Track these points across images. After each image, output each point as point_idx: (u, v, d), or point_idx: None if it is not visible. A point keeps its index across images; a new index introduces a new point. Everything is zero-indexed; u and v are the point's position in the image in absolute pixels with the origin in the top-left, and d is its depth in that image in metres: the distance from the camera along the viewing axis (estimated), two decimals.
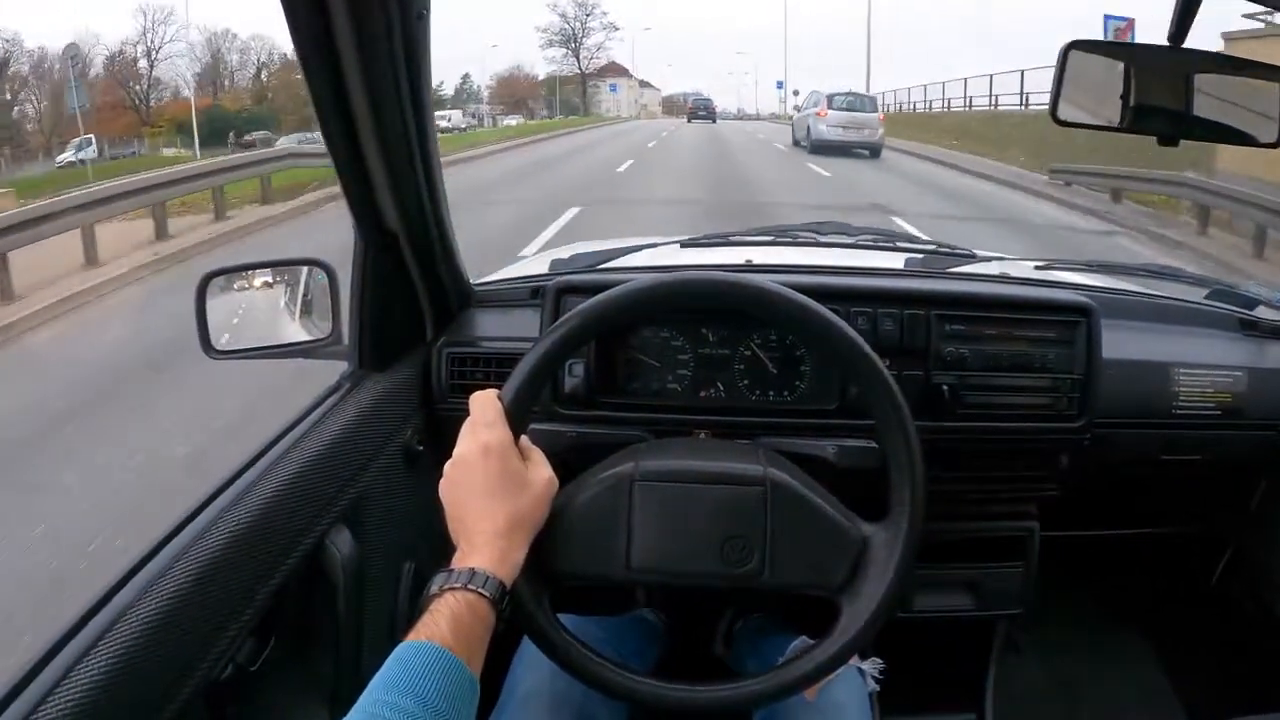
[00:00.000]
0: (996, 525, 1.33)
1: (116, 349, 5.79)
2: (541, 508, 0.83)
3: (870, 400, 0.91)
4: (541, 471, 0.84)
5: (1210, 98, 1.00)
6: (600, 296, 0.91)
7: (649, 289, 0.91)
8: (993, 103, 20.91)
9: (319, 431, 1.04)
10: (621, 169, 14.89)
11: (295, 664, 1.00)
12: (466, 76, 54.22)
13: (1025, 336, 1.19)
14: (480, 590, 0.74)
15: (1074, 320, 1.20)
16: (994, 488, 1.26)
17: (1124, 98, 1.02)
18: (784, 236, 1.60)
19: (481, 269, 1.48)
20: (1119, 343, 1.27)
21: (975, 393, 1.18)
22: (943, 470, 1.08)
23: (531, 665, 1.02)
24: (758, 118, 56.17)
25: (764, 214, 9.22)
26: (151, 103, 31.53)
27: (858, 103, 18.04)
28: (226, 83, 35.71)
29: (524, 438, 0.87)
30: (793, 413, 1.17)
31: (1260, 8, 0.91)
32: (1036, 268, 1.52)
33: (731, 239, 1.58)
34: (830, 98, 17.94)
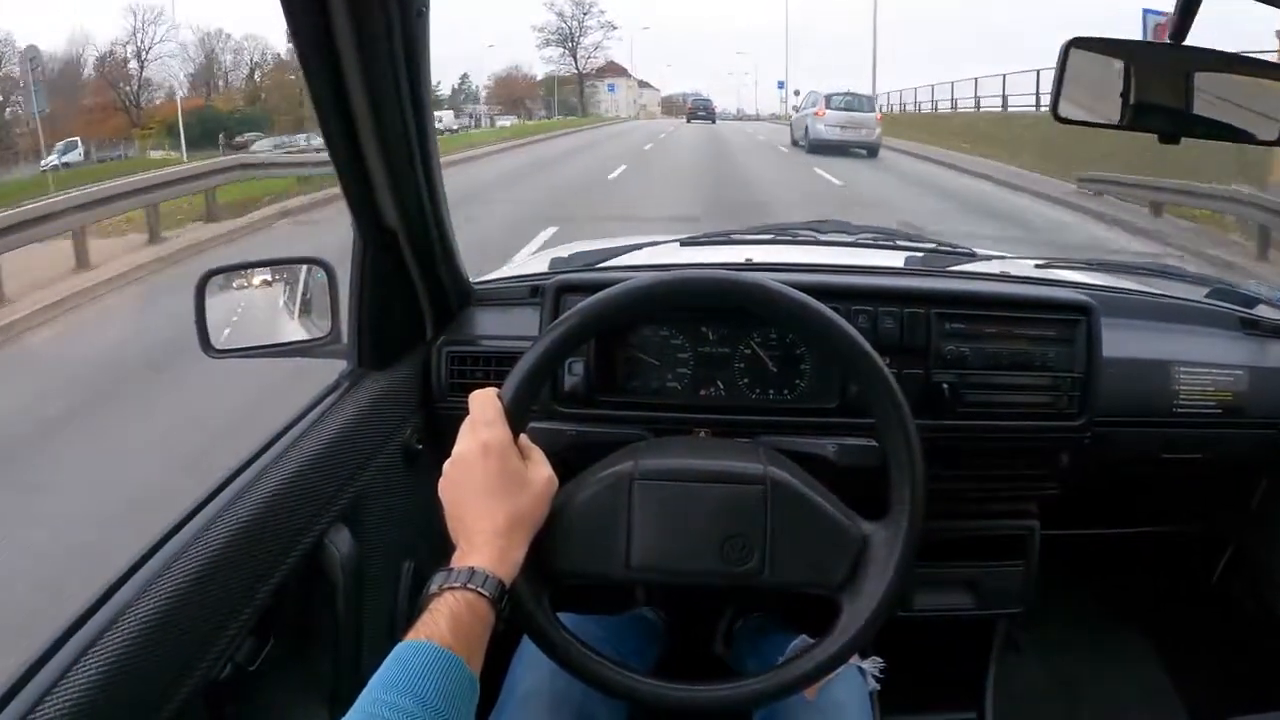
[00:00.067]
0: (997, 524, 1.32)
1: None
2: (541, 506, 0.82)
3: (870, 399, 0.90)
4: (541, 470, 0.84)
5: (1211, 95, 1.00)
6: (600, 295, 0.91)
7: (648, 287, 0.91)
8: (1004, 103, 20.16)
9: (318, 430, 1.04)
10: (613, 176, 13.76)
11: (294, 663, 1.00)
12: (465, 77, 54.00)
13: (1025, 335, 1.19)
14: (480, 589, 0.74)
15: (1074, 319, 1.20)
16: (994, 486, 1.26)
17: (1124, 96, 1.02)
18: (784, 235, 1.60)
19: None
20: (1119, 341, 1.27)
21: (975, 391, 1.18)
22: (943, 469, 1.08)
23: (531, 664, 1.02)
24: (757, 118, 55.90)
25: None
26: (143, 104, 31.10)
27: (855, 103, 18.09)
28: (220, 83, 35.35)
29: (523, 436, 0.86)
30: (793, 411, 1.17)
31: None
32: (1037, 266, 1.51)
33: (731, 237, 1.58)
34: (828, 98, 18.00)
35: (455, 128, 36.65)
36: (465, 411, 0.84)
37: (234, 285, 1.25)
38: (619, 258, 1.45)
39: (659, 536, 0.86)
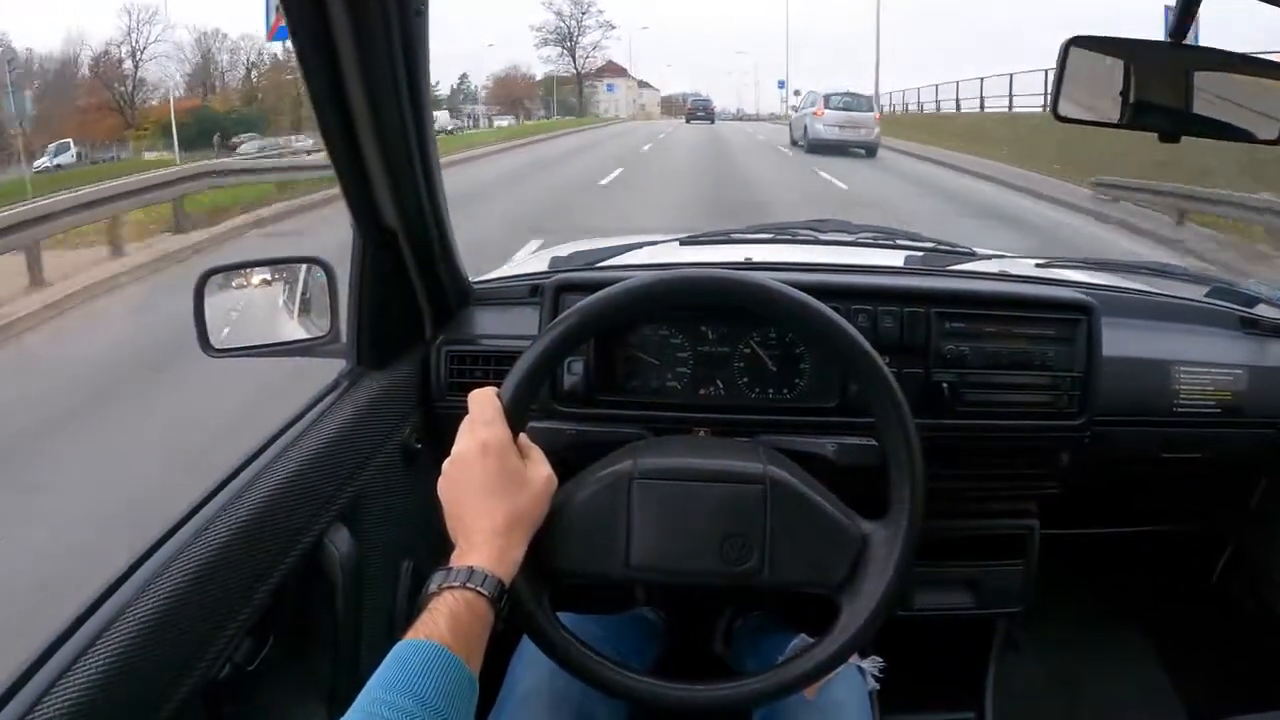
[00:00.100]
0: (996, 523, 1.32)
1: None
2: (540, 506, 0.82)
3: (870, 398, 0.90)
4: (540, 469, 0.84)
5: (1211, 94, 1.00)
6: (599, 294, 0.91)
7: (648, 286, 0.91)
8: (1010, 104, 19.71)
9: (317, 430, 1.04)
10: (606, 181, 12.81)
11: (293, 663, 1.00)
12: (464, 76, 53.83)
13: (1025, 334, 1.19)
14: (479, 589, 0.74)
15: (1074, 318, 1.20)
16: (994, 485, 1.26)
17: (1124, 95, 1.02)
18: (783, 234, 1.60)
19: None
20: (1119, 340, 1.27)
21: (975, 390, 1.18)
22: (942, 468, 1.08)
23: (530, 664, 1.02)
24: (757, 118, 55.89)
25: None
26: (137, 104, 30.76)
27: (854, 103, 18.11)
28: (217, 83, 35.03)
29: (523, 436, 0.86)
30: (792, 410, 1.17)
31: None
32: (1037, 265, 1.51)
33: (731, 236, 1.58)
34: (827, 97, 18.06)
35: (450, 128, 36.17)
36: (464, 411, 0.84)
37: (233, 284, 1.25)
38: (618, 257, 1.45)
39: (658, 536, 0.86)
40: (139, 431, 3.81)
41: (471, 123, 44.69)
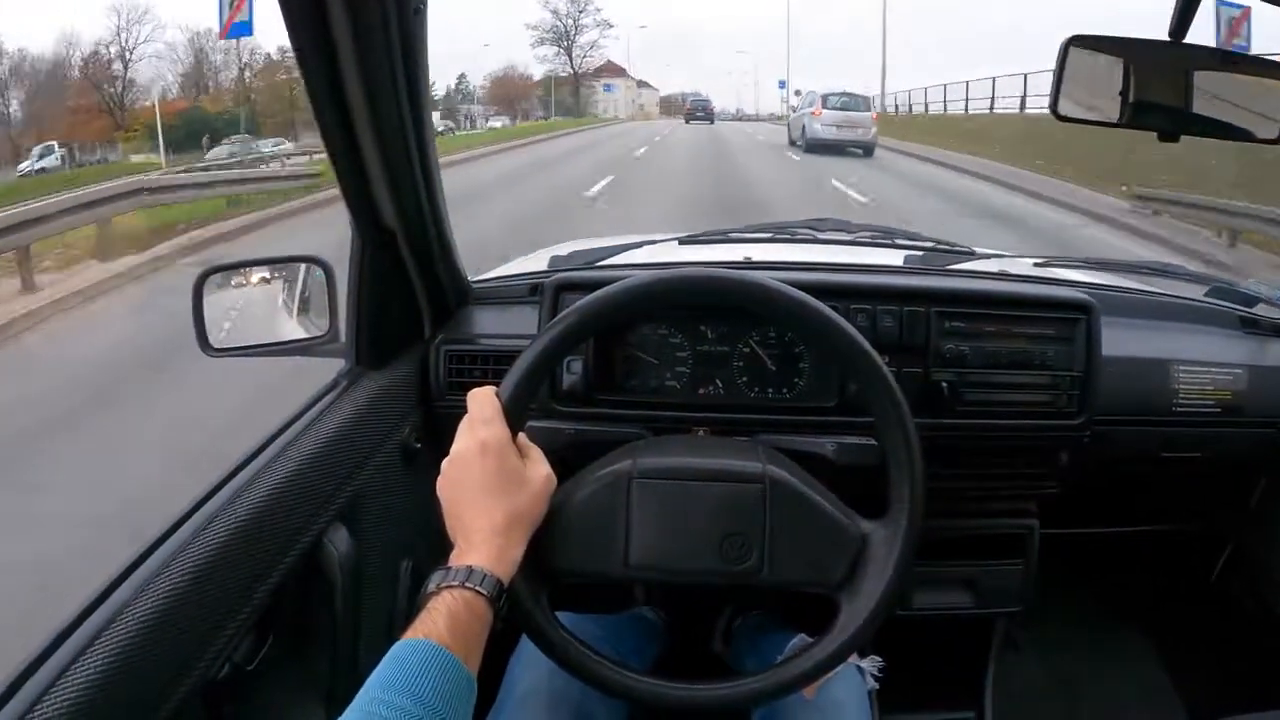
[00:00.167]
0: (996, 523, 1.32)
1: None
2: (539, 505, 0.82)
3: (869, 397, 0.90)
4: (539, 469, 0.84)
5: (1210, 93, 1.00)
6: (598, 293, 0.91)
7: (647, 285, 0.91)
8: (1021, 105, 18.77)
9: (316, 429, 1.04)
10: (592, 192, 11.24)
11: (293, 663, 1.00)
12: (462, 76, 53.54)
13: (1025, 334, 1.19)
14: (478, 588, 0.74)
15: (1074, 317, 1.20)
16: (993, 485, 1.26)
17: (1124, 94, 1.02)
18: (783, 233, 1.60)
19: None
20: (1119, 340, 1.27)
21: (975, 390, 1.18)
22: (942, 467, 1.08)
23: (530, 664, 1.02)
24: (757, 118, 55.52)
25: None
26: (127, 105, 30.10)
27: (852, 103, 18.18)
28: (210, 84, 34.45)
29: (522, 435, 0.86)
30: (792, 410, 1.17)
31: None
32: (1036, 265, 1.51)
33: (730, 236, 1.58)
34: (825, 98, 18.12)
35: (440, 130, 35.05)
36: (464, 410, 0.84)
37: (232, 284, 1.25)
38: (618, 256, 1.45)
39: (658, 535, 0.86)
40: None
41: (469, 123, 44.35)
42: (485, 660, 0.74)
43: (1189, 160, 9.34)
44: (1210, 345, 1.37)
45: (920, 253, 1.49)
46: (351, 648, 1.05)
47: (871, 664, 1.12)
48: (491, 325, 1.33)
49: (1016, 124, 17.48)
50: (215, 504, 0.88)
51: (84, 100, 29.08)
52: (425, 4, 0.93)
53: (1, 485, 3.43)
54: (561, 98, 55.85)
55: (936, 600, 1.34)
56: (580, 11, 55.26)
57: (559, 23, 55.46)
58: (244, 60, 34.48)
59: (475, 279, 1.41)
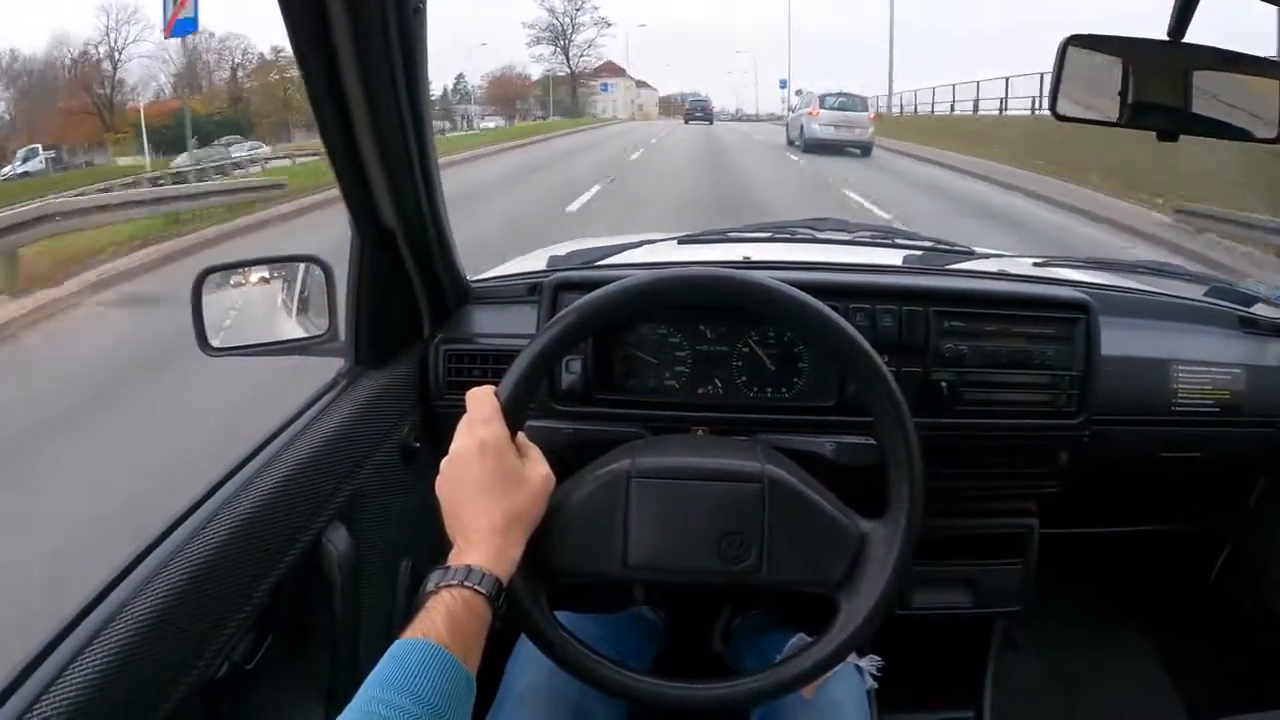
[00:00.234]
0: (995, 522, 1.32)
1: None
2: (538, 504, 0.82)
3: (868, 397, 0.90)
4: (538, 468, 0.84)
5: (1209, 93, 1.00)
6: (597, 293, 0.90)
7: (646, 285, 0.91)
8: (1033, 106, 17.65)
9: (315, 429, 1.04)
10: (575, 206, 10.02)
11: (292, 662, 1.00)
12: (460, 76, 53.24)
13: (1024, 333, 1.19)
14: (476, 587, 0.74)
15: (1073, 317, 1.20)
16: (993, 484, 1.26)
17: (1123, 94, 1.02)
18: (782, 233, 1.60)
19: None
20: (1118, 340, 1.27)
21: (974, 389, 1.18)
22: (941, 467, 1.08)
23: (529, 663, 1.02)
24: (757, 118, 55.26)
25: None
26: (116, 107, 29.54)
27: (849, 103, 18.30)
28: (204, 83, 34.05)
29: (521, 434, 0.86)
30: (791, 409, 1.17)
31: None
32: (1035, 264, 1.51)
33: (729, 235, 1.58)
34: (822, 98, 18.28)
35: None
36: (463, 409, 0.84)
37: (231, 283, 1.25)
38: (617, 255, 1.45)
39: (656, 535, 0.86)
40: None
41: (466, 124, 44.00)
42: (484, 659, 0.74)
43: (1210, 167, 8.84)
44: (1209, 345, 1.37)
45: (919, 252, 1.49)
46: (351, 647, 1.05)
47: (870, 663, 1.12)
48: (491, 325, 1.33)
49: (1029, 125, 16.26)
50: (214, 503, 0.88)
51: (73, 101, 28.73)
52: (425, 3, 0.93)
53: None
54: (560, 98, 55.48)
55: (936, 600, 1.34)
56: (577, 9, 54.67)
57: (555, 21, 54.84)
58: (236, 60, 34.22)
59: (474, 278, 1.41)
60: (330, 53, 0.89)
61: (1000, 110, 20.39)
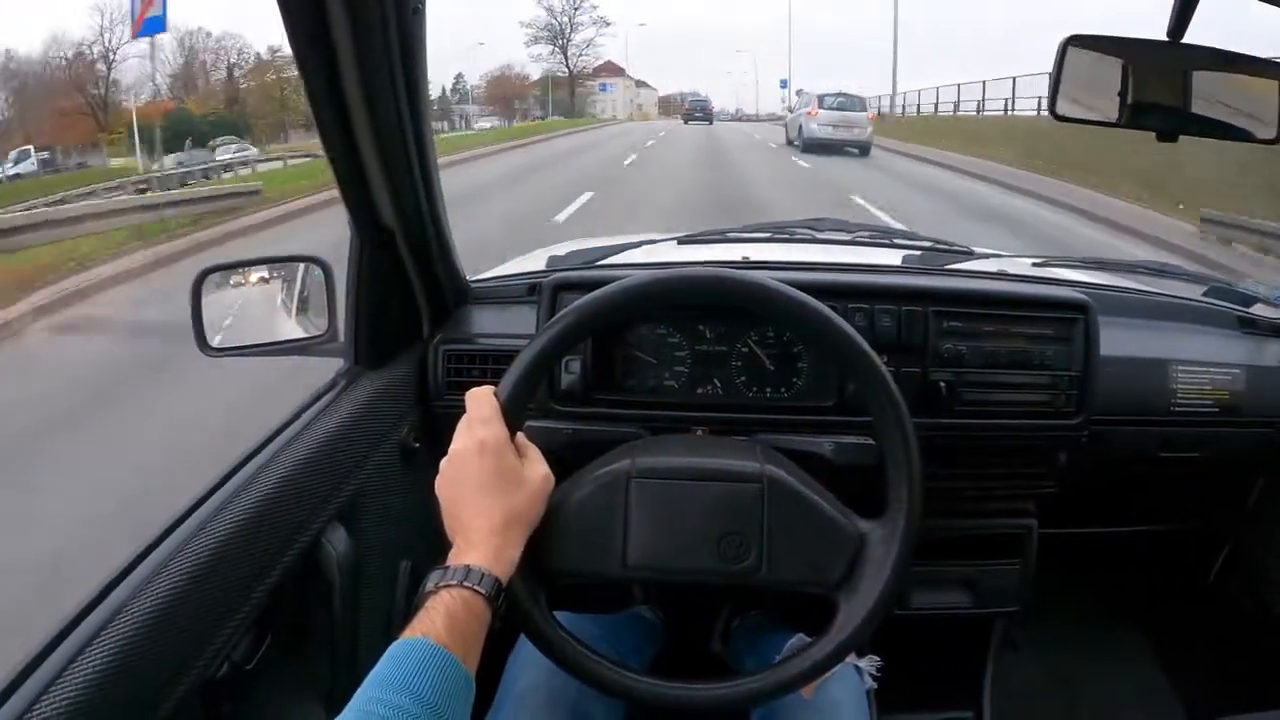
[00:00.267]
0: (994, 522, 1.32)
1: None
2: (537, 505, 0.82)
3: (867, 397, 0.90)
4: (537, 468, 0.84)
5: (1209, 93, 1.00)
6: (596, 293, 0.90)
7: (645, 285, 0.91)
8: (1038, 106, 16.61)
9: (315, 429, 1.04)
10: (563, 217, 9.25)
11: (291, 662, 1.00)
12: (460, 76, 53.00)
13: (1023, 333, 1.19)
14: (475, 587, 0.74)
15: (1072, 317, 1.20)
16: (992, 485, 1.26)
17: (1122, 94, 1.02)
18: (781, 233, 1.60)
19: None
20: (1117, 340, 1.27)
21: (973, 389, 1.18)
22: (940, 467, 1.08)
23: (528, 663, 1.02)
24: (757, 118, 55.02)
25: None
26: (110, 107, 28.83)
27: (848, 103, 18.39)
28: (200, 84, 33.63)
29: (520, 435, 0.86)
30: (790, 409, 1.17)
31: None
32: (1034, 265, 1.51)
33: (729, 235, 1.58)
34: (820, 98, 18.39)
35: None
36: (462, 410, 0.84)
37: (231, 283, 1.25)
38: (616, 255, 1.45)
39: (655, 535, 0.86)
40: None
41: (464, 124, 43.70)
42: (484, 659, 0.74)
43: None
44: (1208, 345, 1.37)
45: (919, 252, 1.49)
46: (350, 647, 1.05)
47: (870, 664, 1.12)
48: (490, 325, 1.33)
49: (1043, 128, 14.63)
50: (214, 503, 0.88)
51: (68, 102, 28.21)
52: (424, 4, 0.93)
53: None
54: (559, 98, 55.11)
55: (935, 600, 1.34)
56: (576, 8, 54.09)
57: (554, 20, 54.32)
58: (232, 60, 33.91)
59: (474, 279, 1.41)
60: (330, 52, 0.89)
61: (1006, 111, 19.98)
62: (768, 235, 1.59)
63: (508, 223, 8.12)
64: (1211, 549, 1.66)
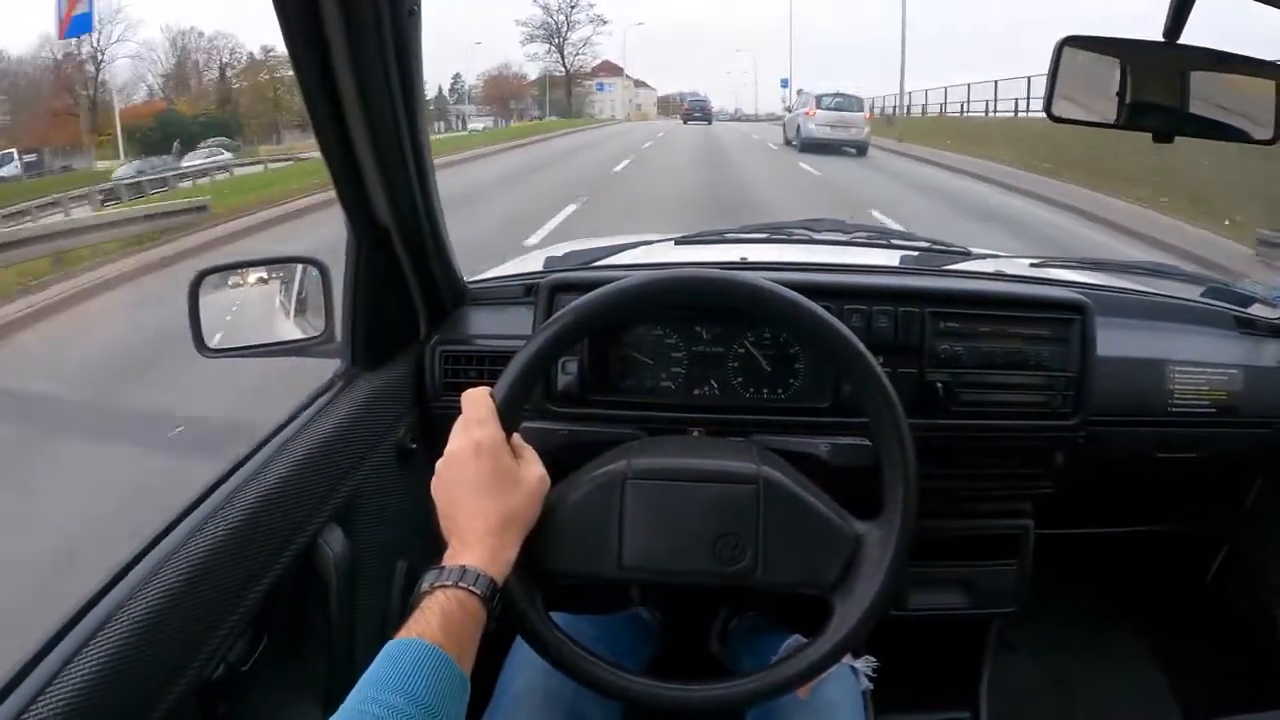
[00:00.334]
0: (991, 523, 1.33)
1: None
2: (533, 506, 0.82)
3: (864, 398, 0.90)
4: (534, 469, 0.84)
5: (1206, 94, 1.00)
6: (593, 294, 0.91)
7: (642, 286, 0.91)
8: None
9: (311, 430, 1.04)
10: (533, 240, 7.36)
11: (288, 663, 1.00)
12: (457, 76, 52.80)
13: (1020, 334, 1.19)
14: (471, 588, 0.74)
15: (1069, 318, 1.20)
16: (988, 485, 1.26)
17: (1119, 95, 1.02)
18: (778, 234, 1.60)
19: None
20: (1114, 340, 1.27)
21: (969, 390, 1.18)
22: (936, 468, 1.08)
23: (524, 664, 1.02)
24: (756, 118, 54.80)
25: None
26: (99, 108, 28.67)
27: (845, 103, 18.48)
28: (192, 84, 33.48)
29: (516, 435, 0.86)
30: (786, 410, 1.17)
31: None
32: (1031, 265, 1.51)
33: (726, 236, 1.58)
34: (818, 98, 18.51)
35: None
36: (459, 410, 0.84)
37: (229, 284, 1.25)
38: (613, 256, 1.45)
39: (651, 536, 0.86)
40: None
41: (461, 124, 43.42)
42: (480, 660, 0.74)
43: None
44: (1205, 346, 1.37)
45: (915, 253, 1.49)
46: (346, 648, 1.05)
47: (866, 664, 1.12)
48: (487, 326, 1.33)
49: (1053, 130, 12.97)
50: (210, 504, 0.88)
51: (56, 103, 27.97)
52: (419, 5, 0.93)
53: None
54: (557, 98, 54.86)
55: (931, 601, 1.34)
56: (573, 6, 53.63)
57: (550, 19, 53.86)
58: (224, 60, 33.59)
59: (471, 279, 1.41)
60: (324, 52, 0.89)
61: (1015, 112, 19.36)
62: (765, 236, 1.59)
63: (492, 236, 6.74)
64: (1209, 549, 1.66)
